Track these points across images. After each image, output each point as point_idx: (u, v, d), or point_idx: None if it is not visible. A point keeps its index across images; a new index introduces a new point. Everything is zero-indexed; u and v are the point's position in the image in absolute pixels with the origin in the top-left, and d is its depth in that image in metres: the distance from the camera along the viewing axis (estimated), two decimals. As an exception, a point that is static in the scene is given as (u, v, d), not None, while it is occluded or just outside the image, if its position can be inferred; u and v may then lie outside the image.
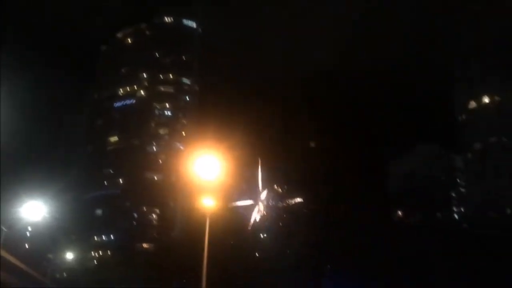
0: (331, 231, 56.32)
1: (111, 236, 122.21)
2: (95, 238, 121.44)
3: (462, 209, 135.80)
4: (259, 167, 70.08)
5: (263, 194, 68.23)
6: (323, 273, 45.28)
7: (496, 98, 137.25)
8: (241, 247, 56.17)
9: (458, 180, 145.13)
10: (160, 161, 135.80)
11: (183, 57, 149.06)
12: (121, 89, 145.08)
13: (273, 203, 66.40)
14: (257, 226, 63.00)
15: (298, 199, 71.12)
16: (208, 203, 28.00)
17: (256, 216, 63.39)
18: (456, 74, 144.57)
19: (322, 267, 46.18)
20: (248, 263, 53.95)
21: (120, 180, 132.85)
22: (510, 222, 65.18)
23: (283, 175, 76.67)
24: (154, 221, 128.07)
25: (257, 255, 54.46)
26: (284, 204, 67.61)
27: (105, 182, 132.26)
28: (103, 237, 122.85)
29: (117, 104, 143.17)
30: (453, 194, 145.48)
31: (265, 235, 62.69)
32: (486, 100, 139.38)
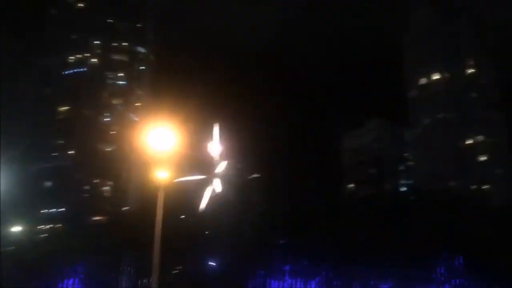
0: (285, 205, 57.43)
1: (62, 208, 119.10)
2: (45, 210, 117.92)
3: (410, 182, 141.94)
4: (216, 138, 69.42)
5: (221, 167, 68.06)
6: (277, 247, 46.38)
7: (445, 75, 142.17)
8: (194, 222, 56.32)
9: (407, 154, 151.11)
10: (113, 132, 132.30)
11: (138, 24, 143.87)
12: (71, 56, 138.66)
13: (230, 177, 66.57)
14: (211, 204, 63.06)
15: (255, 175, 71.68)
16: (162, 176, 27.63)
17: (208, 195, 63.15)
18: (407, 51, 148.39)
19: (276, 241, 47.27)
20: (200, 238, 54.29)
21: (71, 151, 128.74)
22: (453, 193, 68.81)
23: (240, 149, 76.71)
24: (106, 194, 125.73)
25: (206, 233, 54.90)
26: (241, 179, 67.94)
27: (55, 153, 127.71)
28: (54, 210, 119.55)
29: (67, 72, 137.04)
30: (402, 167, 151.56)
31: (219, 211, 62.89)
32: (435, 77, 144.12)
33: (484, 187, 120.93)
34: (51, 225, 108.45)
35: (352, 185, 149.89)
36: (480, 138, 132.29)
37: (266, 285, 49.38)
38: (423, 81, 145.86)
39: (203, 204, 58.13)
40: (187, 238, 51.48)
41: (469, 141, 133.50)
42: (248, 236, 48.97)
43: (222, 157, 69.13)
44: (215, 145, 68.77)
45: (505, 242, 42.12)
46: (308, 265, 46.79)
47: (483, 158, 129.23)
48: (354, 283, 46.56)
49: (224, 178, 65.07)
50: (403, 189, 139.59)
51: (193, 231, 53.50)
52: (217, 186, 64.53)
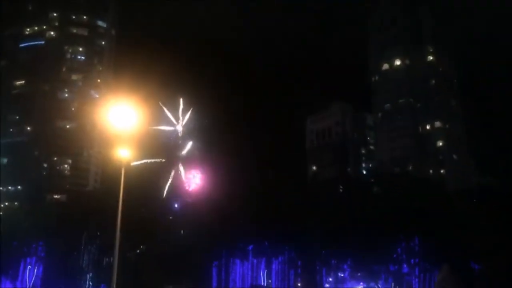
0: (247, 186, 57.73)
1: (19, 186, 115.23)
2: (1, 188, 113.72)
3: (370, 165, 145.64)
4: (180, 118, 68.16)
5: (185, 148, 66.91)
6: (239, 227, 46.77)
7: (407, 61, 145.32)
8: (158, 204, 55.77)
9: (369, 138, 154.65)
10: (72, 108, 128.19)
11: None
12: (28, 28, 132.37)
13: (194, 158, 65.81)
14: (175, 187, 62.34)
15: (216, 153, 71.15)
16: (123, 155, 27.10)
17: (171, 178, 62.19)
18: (370, 37, 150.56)
19: (238, 221, 47.64)
20: (163, 219, 53.96)
21: (28, 127, 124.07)
22: (411, 178, 71.26)
23: (203, 130, 75.77)
24: (66, 172, 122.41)
25: (171, 218, 54.51)
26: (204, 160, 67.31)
27: (11, 129, 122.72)
28: (9, 188, 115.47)
29: (23, 44, 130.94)
30: (363, 151, 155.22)
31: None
32: (397, 62, 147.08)
33: (441, 171, 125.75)
34: (7, 203, 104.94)
35: (314, 168, 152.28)
36: (438, 124, 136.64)
37: (229, 265, 49.91)
38: (385, 66, 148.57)
39: (165, 188, 57.57)
40: (150, 219, 51.03)
41: (428, 127, 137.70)
42: (211, 217, 49.09)
43: (186, 137, 68.38)
44: (179, 125, 67.74)
45: (459, 223, 44.21)
46: (270, 245, 47.57)
47: (440, 143, 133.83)
48: (315, 263, 47.77)
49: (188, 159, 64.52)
50: (364, 172, 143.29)
51: (158, 211, 53.05)
52: (181, 168, 63.90)
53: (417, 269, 43.86)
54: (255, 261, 48.70)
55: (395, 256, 42.22)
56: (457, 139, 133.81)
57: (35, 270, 62.98)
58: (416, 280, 46.75)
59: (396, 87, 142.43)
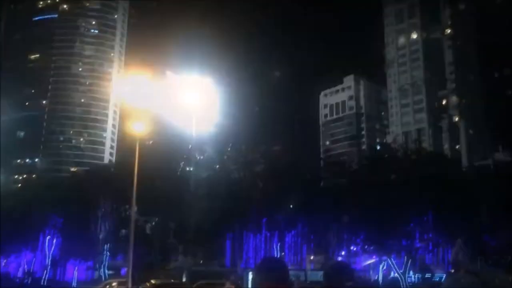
0: (260, 160, 58.02)
1: (36, 159, 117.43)
2: (18, 161, 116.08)
3: (385, 140, 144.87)
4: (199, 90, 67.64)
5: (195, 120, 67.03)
6: (252, 200, 47.32)
7: (423, 34, 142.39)
8: (173, 177, 56.32)
9: (383, 113, 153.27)
10: (87, 82, 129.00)
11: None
12: (41, 1, 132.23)
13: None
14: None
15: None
16: (138, 128, 27.42)
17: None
18: (386, 10, 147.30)
19: (251, 194, 48.21)
20: (177, 192, 54.56)
21: (43, 101, 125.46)
22: (426, 152, 70.82)
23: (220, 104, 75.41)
24: (81, 145, 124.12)
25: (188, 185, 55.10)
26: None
27: (26, 102, 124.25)
28: (27, 160, 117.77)
29: (37, 18, 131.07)
30: (377, 126, 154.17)
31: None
32: (414, 35, 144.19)
33: (457, 146, 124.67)
34: (25, 176, 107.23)
35: (328, 143, 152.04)
36: (454, 98, 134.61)
37: (243, 238, 50.73)
38: (401, 39, 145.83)
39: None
40: (165, 191, 51.72)
41: (444, 102, 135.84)
42: (223, 190, 49.67)
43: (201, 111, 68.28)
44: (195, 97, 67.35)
45: (474, 198, 44.08)
46: (283, 219, 48.15)
47: (456, 118, 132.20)
48: (328, 236, 48.29)
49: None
50: (378, 147, 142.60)
51: (173, 183, 53.69)
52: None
53: (430, 244, 44.05)
54: (268, 234, 49.45)
55: (408, 229, 42.47)
56: (473, 114, 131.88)
57: (54, 241, 64.56)
58: (430, 255, 46.96)
59: (412, 61, 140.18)
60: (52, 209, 66.93)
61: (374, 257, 50.59)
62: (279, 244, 49.44)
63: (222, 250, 52.97)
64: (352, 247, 51.47)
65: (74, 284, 57.66)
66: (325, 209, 42.50)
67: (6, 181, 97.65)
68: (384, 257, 45.85)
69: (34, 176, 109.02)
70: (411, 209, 39.99)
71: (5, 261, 74.64)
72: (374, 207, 40.73)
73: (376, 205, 41.27)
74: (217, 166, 59.06)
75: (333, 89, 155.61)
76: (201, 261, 55.81)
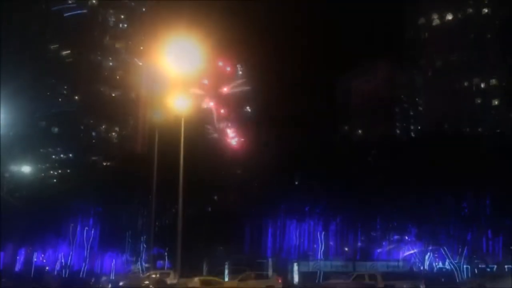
0: (299, 147, 55.97)
1: (70, 154, 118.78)
2: (53, 156, 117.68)
3: (419, 127, 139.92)
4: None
5: None
6: (294, 188, 45.50)
7: (459, 14, 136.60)
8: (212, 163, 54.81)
9: (417, 99, 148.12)
10: (117, 76, 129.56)
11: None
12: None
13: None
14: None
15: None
16: (181, 104, 25.90)
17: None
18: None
19: (292, 182, 46.39)
20: (218, 178, 53.14)
21: (75, 97, 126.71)
22: (465, 138, 66.86)
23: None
24: (114, 139, 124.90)
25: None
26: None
27: (59, 99, 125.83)
28: (62, 155, 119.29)
29: (67, 14, 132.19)
30: (411, 112, 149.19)
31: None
32: (449, 16, 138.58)
33: (497, 131, 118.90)
34: (60, 171, 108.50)
35: (360, 131, 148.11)
36: (493, 81, 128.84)
37: (286, 227, 48.90)
38: (435, 21, 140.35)
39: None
40: (201, 179, 50.37)
41: (482, 85, 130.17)
42: (263, 178, 47.93)
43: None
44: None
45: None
46: (328, 206, 46.05)
47: (496, 102, 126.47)
48: (376, 224, 45.98)
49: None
50: (413, 134, 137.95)
51: (209, 171, 52.23)
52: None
53: (489, 232, 41.05)
54: (312, 222, 47.47)
55: (462, 215, 39.75)
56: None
57: (92, 233, 64.73)
58: (490, 243, 43.85)
59: (447, 43, 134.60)
60: (88, 203, 67.15)
61: (416, 247, 47.93)
62: (323, 233, 47.45)
63: (264, 239, 51.34)
64: (396, 236, 49.03)
65: (112, 276, 57.35)
66: (371, 195, 40.34)
67: (42, 177, 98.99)
68: (430, 247, 43.29)
69: (68, 171, 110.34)
70: (466, 191, 37.32)
71: (43, 255, 75.64)
72: (424, 192, 38.29)
73: (426, 189, 38.80)
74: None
75: (365, 74, 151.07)
76: (241, 253, 54.47)
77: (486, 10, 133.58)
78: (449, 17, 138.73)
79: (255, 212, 48.03)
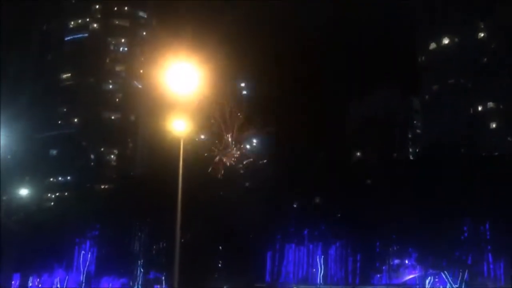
0: (298, 169, 55.81)
1: (68, 177, 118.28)
2: (51, 179, 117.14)
3: (417, 150, 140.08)
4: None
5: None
6: (292, 211, 45.17)
7: (456, 39, 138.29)
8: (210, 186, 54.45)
9: (415, 122, 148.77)
10: (117, 99, 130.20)
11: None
12: (71, 21, 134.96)
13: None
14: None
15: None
16: (179, 127, 25.78)
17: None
18: (416, 15, 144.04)
19: (291, 204, 46.05)
20: (214, 202, 52.79)
21: (75, 119, 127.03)
22: (463, 161, 66.88)
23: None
24: (112, 162, 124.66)
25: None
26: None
27: (59, 121, 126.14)
28: (60, 178, 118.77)
29: (68, 38, 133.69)
30: (410, 135, 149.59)
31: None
32: (445, 41, 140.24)
33: (495, 154, 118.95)
34: (58, 194, 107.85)
35: (358, 154, 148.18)
36: (491, 104, 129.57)
37: (284, 250, 48.31)
38: (432, 46, 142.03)
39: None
40: (202, 203, 50.04)
41: (480, 108, 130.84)
42: (262, 199, 47.58)
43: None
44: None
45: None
46: (326, 230, 45.61)
47: (494, 125, 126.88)
48: (375, 248, 45.46)
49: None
50: (411, 157, 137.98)
51: (208, 195, 51.92)
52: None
53: (490, 256, 40.56)
54: (311, 246, 46.90)
55: (462, 239, 39.32)
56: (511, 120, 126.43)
57: (89, 256, 63.87)
58: (491, 267, 43.30)
59: (445, 67, 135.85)
60: (86, 226, 66.50)
61: (416, 271, 47.36)
62: (322, 257, 46.85)
63: (263, 263, 50.66)
64: (396, 260, 48.45)
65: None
66: (371, 219, 39.95)
67: (39, 199, 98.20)
68: (430, 271, 42.71)
69: (66, 194, 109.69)
70: (465, 217, 37.07)
71: (38, 279, 74.48)
72: (423, 217, 37.99)
73: (425, 214, 38.51)
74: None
75: (365, 98, 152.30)
76: (239, 277, 53.61)
77: (482, 35, 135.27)
78: (446, 41, 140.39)
79: (253, 236, 47.54)
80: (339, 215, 44.95)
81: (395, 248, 45.33)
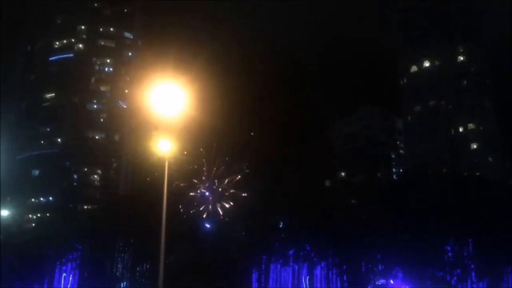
0: (283, 189, 56.08)
1: (50, 197, 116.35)
2: (33, 199, 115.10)
3: (401, 170, 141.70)
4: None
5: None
6: (278, 231, 45.15)
7: (436, 62, 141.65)
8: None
9: (398, 142, 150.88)
10: (101, 119, 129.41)
11: (125, 9, 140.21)
12: (57, 41, 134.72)
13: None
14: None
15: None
16: (164, 146, 25.89)
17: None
18: (397, 38, 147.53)
19: (276, 225, 46.04)
20: (197, 224, 52.62)
21: (58, 139, 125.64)
22: (444, 182, 68.02)
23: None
24: (96, 182, 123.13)
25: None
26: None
27: (42, 141, 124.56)
28: (41, 199, 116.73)
29: (53, 58, 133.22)
30: (393, 156, 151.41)
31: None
32: (426, 64, 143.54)
33: (477, 174, 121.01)
34: (39, 215, 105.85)
35: (343, 174, 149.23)
36: (471, 125, 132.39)
37: (269, 271, 48.05)
38: (414, 68, 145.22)
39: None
40: (186, 225, 49.79)
41: (461, 129, 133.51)
42: (248, 221, 47.51)
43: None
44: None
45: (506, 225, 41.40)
46: (312, 250, 45.59)
47: (475, 145, 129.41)
48: (361, 268, 45.53)
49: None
50: (395, 177, 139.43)
51: (193, 217, 51.75)
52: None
53: (473, 274, 41.02)
54: (296, 266, 46.74)
55: (446, 258, 39.72)
56: (492, 141, 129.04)
57: (70, 279, 62.53)
58: (474, 286, 43.67)
59: (426, 89, 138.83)
60: (67, 247, 65.26)
61: None
62: (308, 277, 46.71)
63: (248, 284, 50.22)
64: (381, 280, 48.54)
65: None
66: (357, 239, 40.12)
67: (20, 220, 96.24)
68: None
69: (48, 215, 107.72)
70: (449, 236, 37.56)
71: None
72: (408, 237, 38.35)
73: (410, 234, 38.88)
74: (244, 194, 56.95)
75: (348, 118, 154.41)
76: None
77: (462, 58, 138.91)
78: (427, 64, 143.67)
79: (238, 257, 47.27)
80: (324, 235, 45.01)
81: (380, 268, 45.43)
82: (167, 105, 24.90)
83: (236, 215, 51.86)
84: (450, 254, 40.54)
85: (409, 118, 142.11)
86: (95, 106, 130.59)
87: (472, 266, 40.85)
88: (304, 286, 45.86)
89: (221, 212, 56.16)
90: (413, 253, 38.27)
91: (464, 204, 39.88)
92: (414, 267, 39.94)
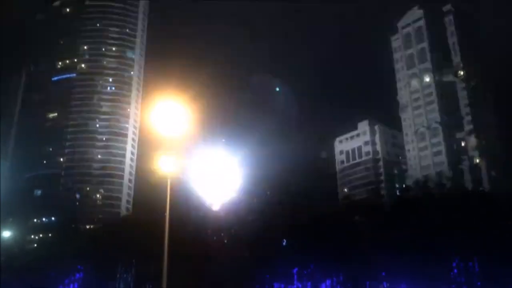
0: (283, 209, 55.82)
1: (52, 217, 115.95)
2: (35, 220, 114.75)
3: (404, 185, 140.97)
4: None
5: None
6: (281, 249, 44.77)
7: (436, 77, 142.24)
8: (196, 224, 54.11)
9: (400, 157, 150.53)
10: (104, 138, 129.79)
11: (127, 29, 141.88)
12: (59, 62, 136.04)
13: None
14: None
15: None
16: (167, 164, 25.82)
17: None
18: (396, 55, 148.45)
19: (279, 243, 45.70)
20: (202, 241, 52.27)
21: (61, 158, 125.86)
22: (447, 197, 67.66)
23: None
24: (98, 201, 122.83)
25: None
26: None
27: (44, 161, 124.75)
28: (43, 219, 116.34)
29: (56, 78, 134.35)
30: (395, 171, 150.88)
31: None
32: (426, 79, 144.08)
33: (480, 188, 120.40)
34: (42, 235, 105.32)
35: (345, 190, 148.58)
36: (473, 139, 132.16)
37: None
38: (413, 83, 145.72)
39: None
40: (189, 245, 49.39)
41: (462, 143, 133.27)
42: (251, 238, 47.19)
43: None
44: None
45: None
46: (316, 269, 45.13)
47: (477, 160, 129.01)
48: (367, 285, 45.02)
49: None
50: (398, 192, 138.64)
51: (195, 237, 51.42)
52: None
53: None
54: (300, 285, 46.25)
55: (452, 275, 39.27)
56: (494, 154, 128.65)
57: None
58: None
59: (426, 104, 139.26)
60: (69, 268, 64.76)
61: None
62: (312, 297, 46.29)
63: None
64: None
65: None
66: (362, 257, 39.75)
67: (22, 241, 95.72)
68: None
69: (50, 235, 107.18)
70: (454, 254, 37.16)
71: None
72: (413, 254, 38.01)
73: (415, 251, 38.54)
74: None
75: (348, 135, 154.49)
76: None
77: (461, 73, 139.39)
78: (427, 79, 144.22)
79: (242, 276, 46.85)
80: (328, 253, 44.65)
81: (385, 286, 44.98)
82: (169, 123, 25.02)
83: (240, 235, 51.56)
84: (455, 270, 40.08)
85: (410, 133, 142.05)
86: (97, 126, 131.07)
87: (478, 283, 40.37)
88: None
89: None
90: (418, 269, 37.86)
91: (469, 220, 39.55)
92: (419, 284, 39.50)
